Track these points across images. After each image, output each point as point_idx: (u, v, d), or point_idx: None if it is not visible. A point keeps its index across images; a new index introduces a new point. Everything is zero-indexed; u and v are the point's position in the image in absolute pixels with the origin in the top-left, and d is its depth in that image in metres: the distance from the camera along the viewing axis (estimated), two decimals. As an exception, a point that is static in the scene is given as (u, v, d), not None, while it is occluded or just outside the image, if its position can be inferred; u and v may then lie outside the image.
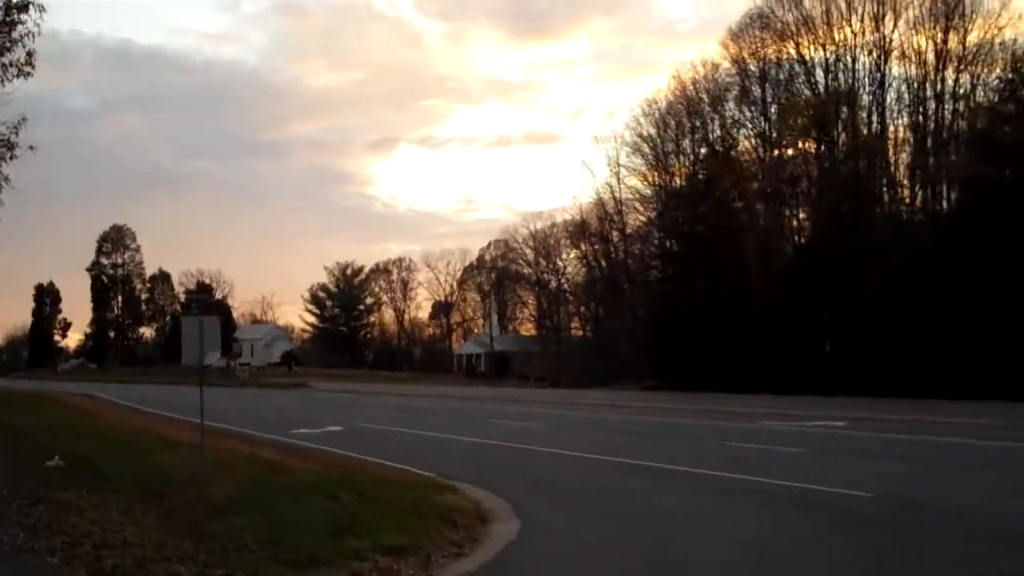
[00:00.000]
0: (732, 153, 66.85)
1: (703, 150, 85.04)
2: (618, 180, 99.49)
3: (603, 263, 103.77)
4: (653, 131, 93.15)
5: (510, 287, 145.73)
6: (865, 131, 62.13)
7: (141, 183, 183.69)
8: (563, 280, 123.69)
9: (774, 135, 68.64)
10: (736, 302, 55.46)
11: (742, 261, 59.46)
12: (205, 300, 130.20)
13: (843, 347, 48.95)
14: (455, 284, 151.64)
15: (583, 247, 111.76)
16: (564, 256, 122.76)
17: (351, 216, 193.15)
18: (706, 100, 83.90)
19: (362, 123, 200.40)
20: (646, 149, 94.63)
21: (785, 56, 69.95)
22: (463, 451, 24.61)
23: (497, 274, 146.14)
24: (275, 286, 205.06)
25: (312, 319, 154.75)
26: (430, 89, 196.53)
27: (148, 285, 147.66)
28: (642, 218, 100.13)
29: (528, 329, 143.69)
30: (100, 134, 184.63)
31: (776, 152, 67.18)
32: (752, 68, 73.90)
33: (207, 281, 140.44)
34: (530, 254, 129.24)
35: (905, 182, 61.64)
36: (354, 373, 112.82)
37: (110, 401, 51.15)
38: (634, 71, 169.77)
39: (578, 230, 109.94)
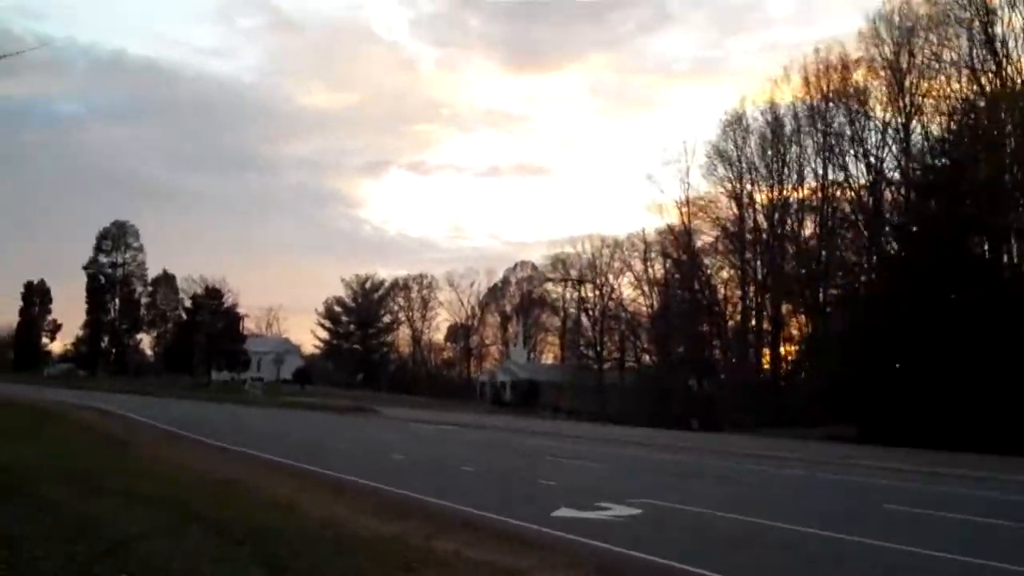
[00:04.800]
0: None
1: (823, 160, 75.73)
2: (687, 200, 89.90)
3: (694, 285, 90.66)
4: (731, 146, 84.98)
5: (536, 313, 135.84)
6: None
7: (131, 191, 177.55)
8: (612, 304, 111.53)
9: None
10: (996, 327, 42.23)
11: (1004, 272, 46.33)
12: (214, 306, 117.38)
13: None
14: (477, 306, 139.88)
15: (649, 270, 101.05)
16: (616, 280, 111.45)
17: (341, 237, 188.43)
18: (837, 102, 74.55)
19: (354, 145, 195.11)
20: (732, 160, 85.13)
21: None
22: None
23: (523, 298, 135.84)
24: (274, 301, 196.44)
25: (324, 334, 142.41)
26: (423, 114, 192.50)
27: (150, 288, 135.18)
28: (711, 236, 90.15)
29: (552, 357, 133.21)
30: (91, 141, 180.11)
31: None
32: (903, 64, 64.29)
33: (213, 286, 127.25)
34: (576, 275, 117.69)
35: None
36: (380, 396, 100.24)
37: (131, 420, 38.40)
38: (628, 108, 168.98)
39: (646, 251, 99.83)
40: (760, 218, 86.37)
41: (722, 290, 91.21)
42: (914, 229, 51.04)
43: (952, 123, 58.44)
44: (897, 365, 43.89)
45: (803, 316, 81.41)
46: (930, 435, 41.17)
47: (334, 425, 46.62)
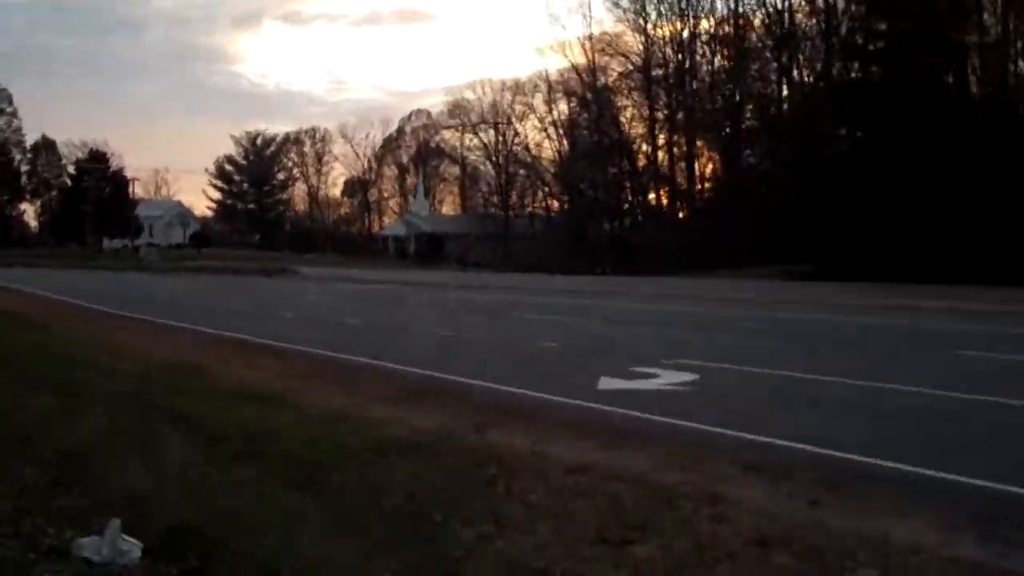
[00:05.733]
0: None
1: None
2: (591, 37, 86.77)
3: (601, 125, 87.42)
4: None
5: (434, 163, 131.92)
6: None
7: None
8: (517, 149, 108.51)
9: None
10: (947, 156, 40.04)
11: (961, 95, 43.93)
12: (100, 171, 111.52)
13: None
14: (373, 159, 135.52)
15: (553, 111, 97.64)
16: (520, 124, 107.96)
17: (219, 94, 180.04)
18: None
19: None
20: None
21: None
22: None
23: (420, 148, 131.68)
24: (161, 163, 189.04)
25: (217, 195, 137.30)
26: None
27: (29, 155, 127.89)
28: (617, 72, 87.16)
29: (453, 208, 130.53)
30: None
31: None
32: None
33: (97, 150, 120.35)
34: (475, 122, 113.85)
35: None
36: (283, 256, 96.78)
37: (34, 295, 35.11)
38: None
39: (549, 91, 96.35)
40: (669, 52, 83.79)
41: (633, 129, 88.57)
42: (869, 48, 48.55)
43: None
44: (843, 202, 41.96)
45: (717, 153, 79.73)
46: (888, 268, 39.58)
47: (258, 288, 43.79)
